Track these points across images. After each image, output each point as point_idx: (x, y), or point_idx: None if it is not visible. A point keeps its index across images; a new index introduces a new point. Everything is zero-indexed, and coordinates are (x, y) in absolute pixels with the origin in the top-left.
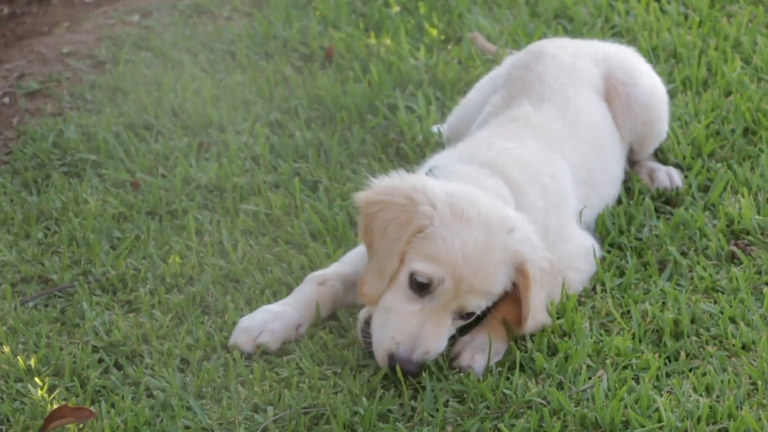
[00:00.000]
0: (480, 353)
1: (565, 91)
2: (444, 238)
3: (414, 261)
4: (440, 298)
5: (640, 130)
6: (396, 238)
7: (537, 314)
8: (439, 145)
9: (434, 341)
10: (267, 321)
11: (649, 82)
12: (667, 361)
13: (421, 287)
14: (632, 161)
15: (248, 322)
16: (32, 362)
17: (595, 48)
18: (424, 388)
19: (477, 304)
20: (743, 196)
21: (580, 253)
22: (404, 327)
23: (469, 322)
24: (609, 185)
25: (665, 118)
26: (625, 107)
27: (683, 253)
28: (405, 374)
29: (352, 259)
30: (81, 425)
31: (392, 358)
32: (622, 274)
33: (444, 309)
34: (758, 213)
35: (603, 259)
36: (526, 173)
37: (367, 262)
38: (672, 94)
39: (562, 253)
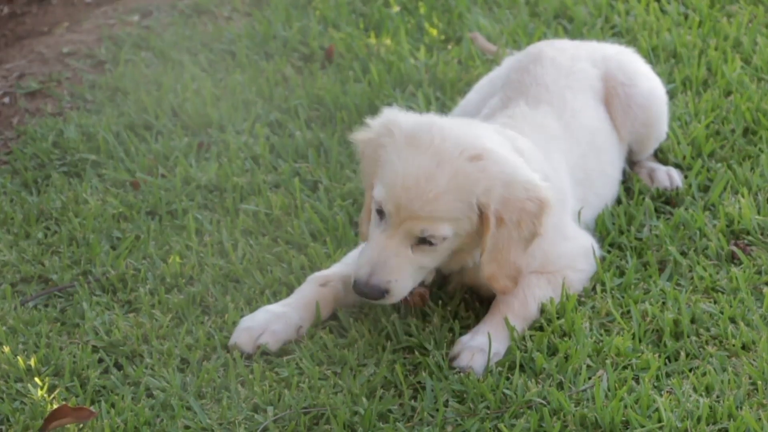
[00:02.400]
0: (480, 353)
1: (562, 93)
2: (391, 163)
3: (374, 187)
4: (389, 223)
5: (640, 131)
6: (366, 170)
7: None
8: None
9: (394, 271)
10: (268, 322)
11: (648, 83)
12: (667, 361)
13: (380, 213)
14: (632, 161)
15: (249, 323)
16: (32, 362)
17: (594, 49)
18: (424, 388)
19: (426, 230)
20: (743, 196)
21: (580, 252)
22: (369, 252)
23: (469, 320)
24: (607, 186)
25: (665, 119)
26: (625, 108)
27: (683, 253)
28: (366, 296)
29: (353, 259)
30: (81, 425)
31: (356, 285)
32: (622, 274)
33: (397, 235)
34: (758, 213)
35: (603, 259)
36: (527, 154)
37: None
38: (672, 94)
39: (561, 251)
